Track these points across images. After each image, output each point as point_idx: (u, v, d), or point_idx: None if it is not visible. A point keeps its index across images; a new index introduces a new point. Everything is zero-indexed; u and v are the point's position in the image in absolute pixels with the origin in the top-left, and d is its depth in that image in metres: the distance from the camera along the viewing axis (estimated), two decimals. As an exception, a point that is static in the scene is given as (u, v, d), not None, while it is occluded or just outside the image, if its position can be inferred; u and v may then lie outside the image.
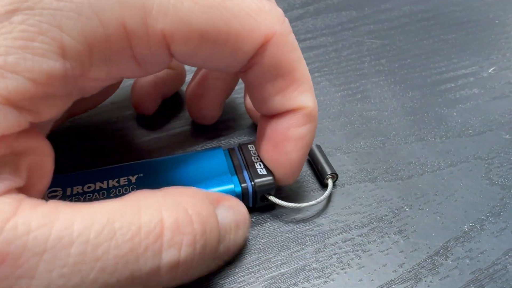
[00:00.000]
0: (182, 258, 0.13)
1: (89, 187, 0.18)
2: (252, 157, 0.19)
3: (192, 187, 0.16)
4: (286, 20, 0.16)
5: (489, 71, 0.30)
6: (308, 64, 0.30)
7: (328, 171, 0.21)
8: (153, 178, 0.18)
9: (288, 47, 0.16)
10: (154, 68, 0.15)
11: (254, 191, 0.18)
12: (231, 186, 0.18)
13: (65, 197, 0.17)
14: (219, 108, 0.23)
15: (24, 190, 0.13)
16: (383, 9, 0.38)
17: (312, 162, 0.22)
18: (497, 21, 0.36)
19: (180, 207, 0.14)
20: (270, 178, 0.18)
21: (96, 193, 0.17)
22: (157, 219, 0.13)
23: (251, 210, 0.20)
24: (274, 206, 0.20)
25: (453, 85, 0.29)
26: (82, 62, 0.13)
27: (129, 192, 0.17)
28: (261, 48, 0.15)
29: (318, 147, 0.22)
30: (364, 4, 0.38)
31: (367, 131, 0.25)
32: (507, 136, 0.25)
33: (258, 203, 0.19)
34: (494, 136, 0.25)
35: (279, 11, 0.16)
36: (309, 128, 0.17)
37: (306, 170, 0.22)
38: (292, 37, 0.16)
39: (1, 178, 0.12)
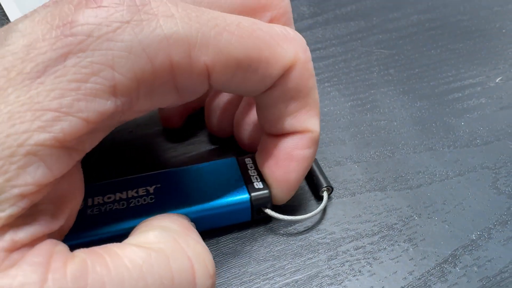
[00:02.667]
0: None
1: (109, 198, 0.18)
2: (249, 171, 0.20)
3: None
4: (308, 48, 0.17)
5: (496, 81, 0.31)
6: (317, 75, 0.30)
7: (324, 184, 0.21)
8: (171, 189, 0.19)
9: (308, 74, 0.17)
10: (192, 96, 0.15)
11: (251, 205, 0.19)
12: (245, 196, 0.19)
13: (86, 208, 0.18)
14: None
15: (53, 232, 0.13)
16: (391, 19, 0.38)
17: (308, 175, 0.22)
18: (504, 31, 0.36)
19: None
20: (266, 191, 0.19)
21: (116, 203, 0.18)
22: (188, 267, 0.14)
23: (249, 223, 0.20)
24: (270, 219, 0.21)
25: (460, 94, 0.29)
26: (131, 98, 0.13)
27: (148, 202, 0.18)
28: (285, 73, 0.16)
29: (314, 159, 0.22)
30: (372, 14, 0.39)
31: (377, 140, 0.25)
32: (514, 146, 0.25)
33: (254, 216, 0.20)
34: (501, 146, 0.25)
35: (302, 39, 0.17)
36: (312, 152, 0.18)
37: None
38: (311, 65, 0.17)
39: (38, 224, 0.12)
